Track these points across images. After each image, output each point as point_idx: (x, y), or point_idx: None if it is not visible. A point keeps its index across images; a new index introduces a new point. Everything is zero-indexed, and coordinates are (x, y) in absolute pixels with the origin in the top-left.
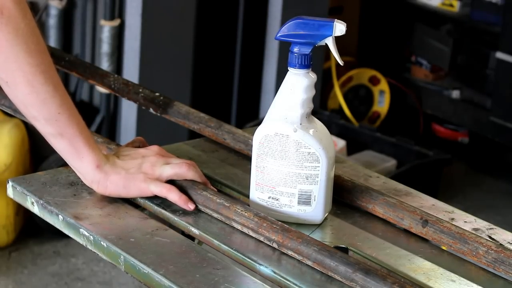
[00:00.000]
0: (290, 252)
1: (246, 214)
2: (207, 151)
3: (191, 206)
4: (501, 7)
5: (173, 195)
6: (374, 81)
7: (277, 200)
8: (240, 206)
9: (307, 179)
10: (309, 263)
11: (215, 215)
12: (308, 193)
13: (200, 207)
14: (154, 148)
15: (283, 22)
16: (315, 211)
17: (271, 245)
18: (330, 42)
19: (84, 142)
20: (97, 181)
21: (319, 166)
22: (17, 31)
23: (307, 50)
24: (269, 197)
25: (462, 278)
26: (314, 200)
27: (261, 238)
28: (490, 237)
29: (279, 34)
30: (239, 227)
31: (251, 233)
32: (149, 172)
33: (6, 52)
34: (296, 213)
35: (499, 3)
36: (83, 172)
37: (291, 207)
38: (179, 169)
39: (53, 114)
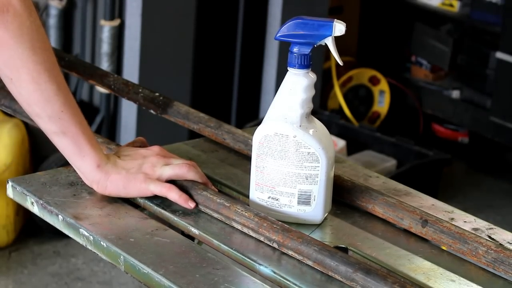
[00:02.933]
0: (290, 252)
1: (246, 214)
2: (206, 151)
3: (191, 205)
4: (501, 7)
5: (173, 194)
6: (374, 81)
7: (276, 200)
8: (240, 206)
9: (307, 179)
10: (310, 263)
11: (215, 215)
12: (308, 193)
13: (200, 207)
14: (155, 148)
15: (283, 22)
16: (315, 211)
17: (271, 245)
18: (329, 42)
19: (86, 140)
20: (97, 181)
21: (318, 166)
22: (22, 29)
23: (306, 50)
24: (268, 197)
25: (462, 278)
26: (314, 200)
27: (261, 238)
28: (490, 237)
29: (278, 34)
30: (239, 227)
31: (251, 233)
32: (149, 172)
33: (11, 49)
34: (296, 213)
35: (499, 3)
36: (83, 171)
37: (290, 207)
38: (179, 169)
39: (56, 112)
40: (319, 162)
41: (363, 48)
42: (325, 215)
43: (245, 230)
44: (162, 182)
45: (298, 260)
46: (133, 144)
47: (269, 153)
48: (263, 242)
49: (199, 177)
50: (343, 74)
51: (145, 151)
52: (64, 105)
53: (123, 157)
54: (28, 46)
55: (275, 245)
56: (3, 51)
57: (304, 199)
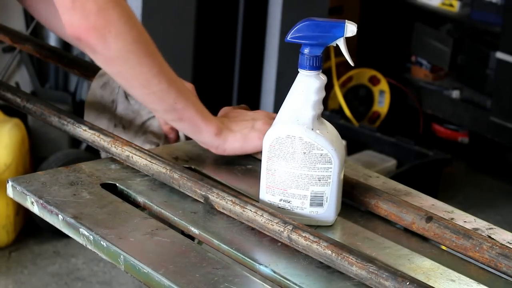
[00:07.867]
0: (304, 234)
1: (260, 205)
2: (207, 150)
3: None
4: (501, 7)
5: None
6: (374, 81)
7: (288, 202)
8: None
9: (320, 180)
10: (324, 244)
11: (229, 203)
12: (320, 195)
13: (210, 195)
14: (262, 111)
15: (283, 22)
16: (327, 212)
17: (280, 238)
18: (341, 43)
19: (201, 119)
20: (216, 146)
21: (331, 168)
22: (126, 47)
23: (318, 51)
24: (280, 200)
25: (462, 278)
26: (327, 202)
27: (276, 221)
28: (489, 237)
29: (289, 36)
30: (253, 209)
31: (265, 216)
32: (262, 130)
33: (118, 66)
34: (308, 215)
35: (499, 3)
36: (205, 143)
37: (303, 209)
38: None
39: (170, 105)
40: (331, 164)
41: (363, 48)
42: (336, 216)
43: (260, 212)
44: None
45: (298, 260)
46: (238, 108)
47: (281, 155)
48: (263, 242)
49: None
50: (343, 74)
51: (253, 113)
52: (176, 97)
53: (232, 119)
54: (134, 61)
55: (289, 227)
56: (111, 68)
57: (317, 201)
